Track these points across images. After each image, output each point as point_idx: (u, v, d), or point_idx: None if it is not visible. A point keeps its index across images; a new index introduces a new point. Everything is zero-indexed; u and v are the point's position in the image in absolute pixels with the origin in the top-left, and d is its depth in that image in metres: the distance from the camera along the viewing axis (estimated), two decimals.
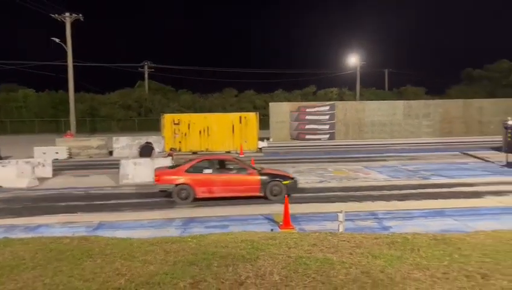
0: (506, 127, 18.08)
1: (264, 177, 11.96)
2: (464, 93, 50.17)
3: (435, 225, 9.18)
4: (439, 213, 10.26)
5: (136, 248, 7.36)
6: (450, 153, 22.68)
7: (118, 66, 53.36)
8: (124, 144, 24.27)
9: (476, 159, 20.10)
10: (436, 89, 56.12)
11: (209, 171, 12.01)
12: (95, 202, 12.22)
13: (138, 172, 14.95)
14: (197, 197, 11.77)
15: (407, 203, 11.39)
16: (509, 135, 17.87)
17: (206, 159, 12.72)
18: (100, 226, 9.61)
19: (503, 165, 17.48)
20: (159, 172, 12.21)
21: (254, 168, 12.49)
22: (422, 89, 54.53)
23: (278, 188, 11.88)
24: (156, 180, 12.08)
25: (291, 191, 11.88)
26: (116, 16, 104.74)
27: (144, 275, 6.03)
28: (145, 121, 47.08)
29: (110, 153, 24.43)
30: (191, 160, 12.87)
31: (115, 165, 17.34)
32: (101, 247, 7.44)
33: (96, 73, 79.58)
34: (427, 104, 30.15)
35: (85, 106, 45.83)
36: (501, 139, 19.99)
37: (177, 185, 11.80)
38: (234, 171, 12.25)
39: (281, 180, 12.03)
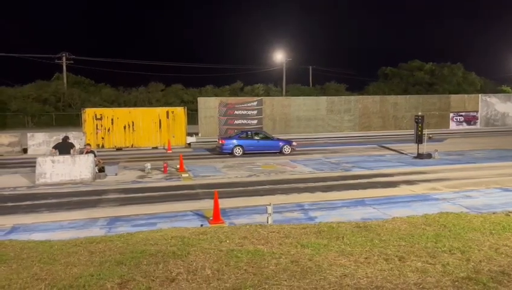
0: (417, 122, 19.70)
1: None
2: (380, 90, 53.86)
3: (356, 214, 9.75)
4: (360, 202, 10.91)
5: (57, 250, 6.89)
6: (369, 146, 24.21)
7: (31, 57, 49.10)
8: (40, 141, 22.51)
9: (391, 152, 21.67)
10: (356, 85, 59.48)
11: None
12: (7, 204, 11.19)
13: (57, 170, 13.98)
14: None
15: (331, 194, 11.94)
16: (419, 128, 19.51)
17: None
18: (14, 229, 8.83)
19: (414, 157, 19.07)
20: None
21: None
22: (343, 86, 57.36)
23: None
24: None
25: None
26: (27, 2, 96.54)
27: (67, 279, 5.67)
28: (64, 116, 44.02)
29: (25, 150, 22.56)
30: None
31: (30, 164, 16.14)
32: (16, 251, 6.86)
33: (4, 65, 72.90)
34: (347, 100, 31.89)
35: None
36: (413, 132, 21.73)
37: None
38: None
39: None
